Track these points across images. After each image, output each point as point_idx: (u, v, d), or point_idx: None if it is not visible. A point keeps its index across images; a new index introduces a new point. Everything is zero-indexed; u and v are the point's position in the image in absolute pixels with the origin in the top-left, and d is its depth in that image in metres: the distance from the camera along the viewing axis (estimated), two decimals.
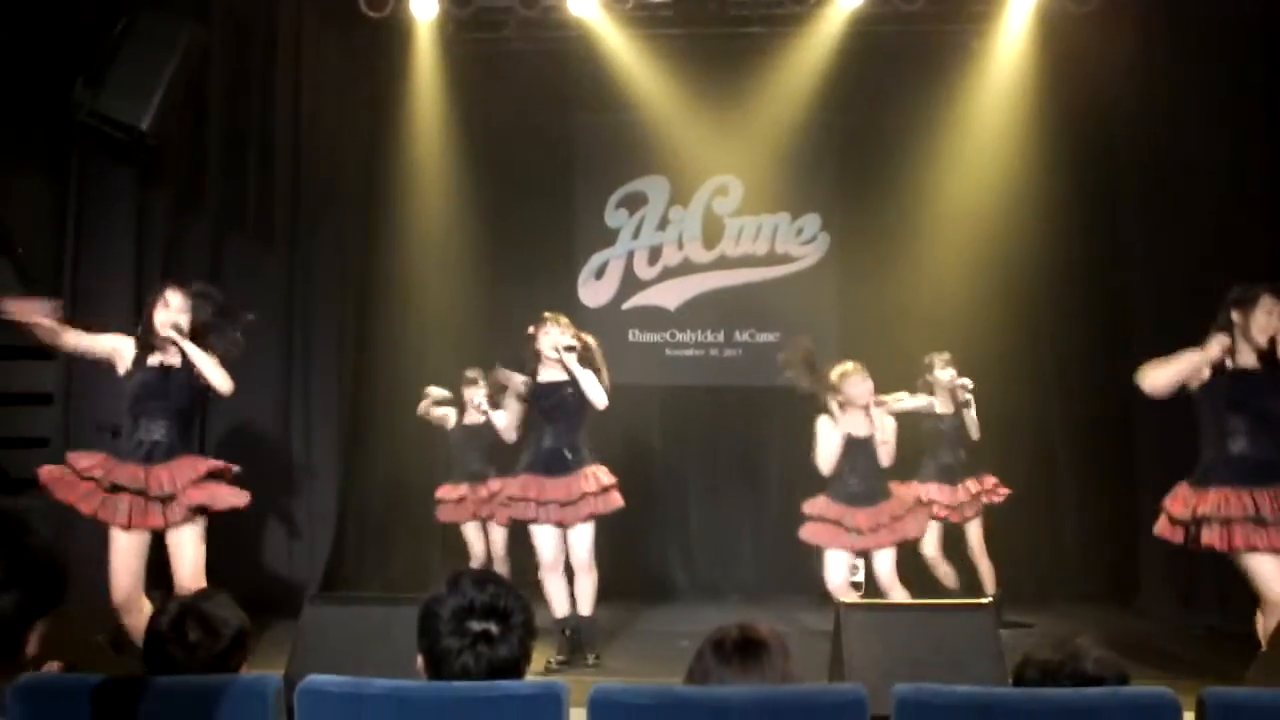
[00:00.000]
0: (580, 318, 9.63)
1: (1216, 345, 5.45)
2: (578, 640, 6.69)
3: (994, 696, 2.93)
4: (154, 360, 5.85)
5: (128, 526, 5.62)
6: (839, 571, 6.83)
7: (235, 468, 6.07)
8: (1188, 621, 7.82)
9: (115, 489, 5.64)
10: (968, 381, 7.79)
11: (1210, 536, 5.42)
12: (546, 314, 6.88)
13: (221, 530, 8.04)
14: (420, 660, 2.81)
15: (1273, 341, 5.41)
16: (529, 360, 6.82)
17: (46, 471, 5.74)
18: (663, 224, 9.88)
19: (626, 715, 2.78)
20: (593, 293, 9.89)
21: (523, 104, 9.44)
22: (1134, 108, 8.67)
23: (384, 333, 9.25)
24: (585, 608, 6.75)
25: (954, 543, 7.92)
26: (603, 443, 9.12)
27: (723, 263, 9.84)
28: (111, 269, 7.60)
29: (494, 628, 2.75)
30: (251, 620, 3.32)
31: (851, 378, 6.78)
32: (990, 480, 7.97)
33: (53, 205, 7.55)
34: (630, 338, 9.81)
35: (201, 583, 5.59)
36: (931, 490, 7.81)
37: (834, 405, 6.78)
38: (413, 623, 2.82)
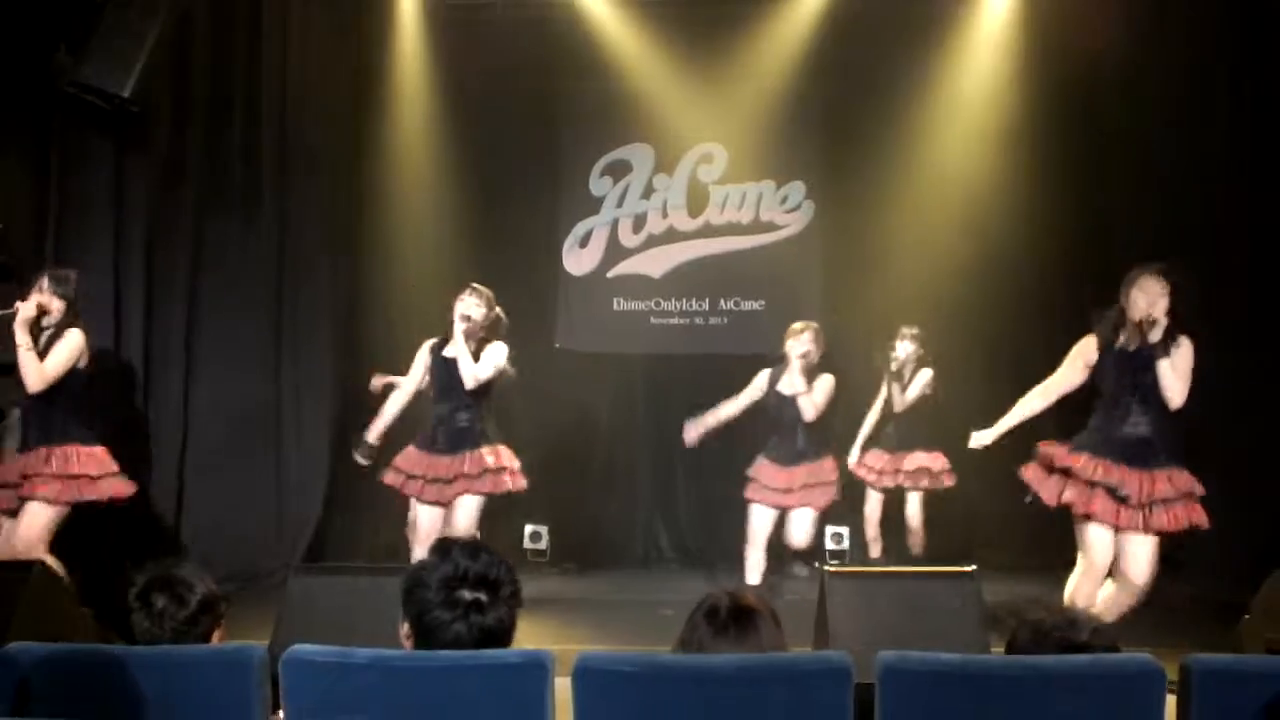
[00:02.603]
0: (565, 285, 9.66)
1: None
2: None
3: (978, 663, 2.94)
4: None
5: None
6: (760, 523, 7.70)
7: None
8: (1171, 589, 7.85)
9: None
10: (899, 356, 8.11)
11: (1071, 494, 5.57)
12: (473, 284, 6.81)
13: (209, 501, 8.09)
14: (404, 628, 2.81)
15: (1146, 323, 5.50)
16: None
17: None
18: (647, 192, 9.83)
19: (612, 683, 2.78)
20: (577, 261, 9.85)
21: (507, 71, 9.37)
22: (1116, 75, 8.68)
23: (371, 301, 9.21)
24: None
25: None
26: (587, 411, 9.17)
27: (707, 231, 9.80)
28: (93, 238, 7.57)
29: (484, 597, 2.75)
30: (238, 590, 3.33)
31: (793, 336, 7.47)
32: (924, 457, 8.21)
33: (34, 174, 7.51)
34: (615, 306, 9.78)
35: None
36: (869, 457, 8.28)
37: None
38: (398, 592, 2.81)
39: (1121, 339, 5.61)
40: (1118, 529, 5.52)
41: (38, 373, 5.81)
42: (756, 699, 2.74)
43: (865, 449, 8.32)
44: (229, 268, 8.35)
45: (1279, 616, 4.98)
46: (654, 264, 9.80)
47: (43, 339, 5.90)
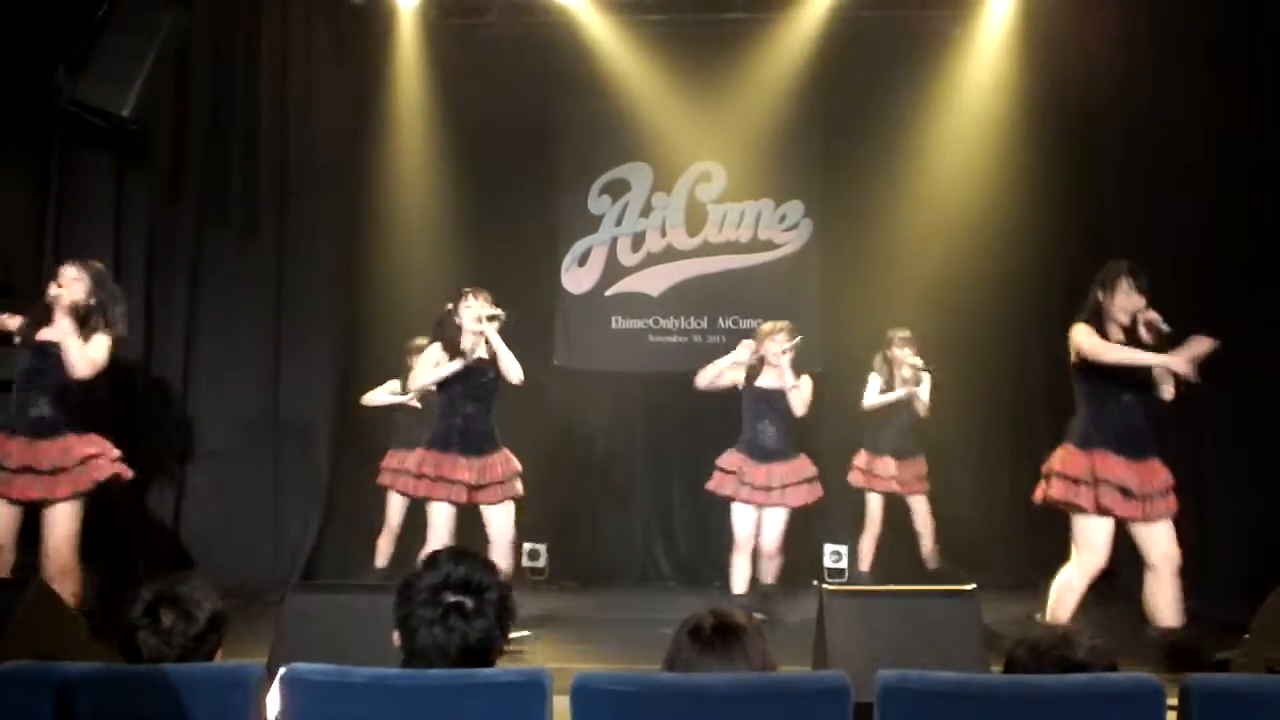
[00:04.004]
0: (564, 304, 9.66)
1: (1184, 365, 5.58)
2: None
3: (977, 683, 2.93)
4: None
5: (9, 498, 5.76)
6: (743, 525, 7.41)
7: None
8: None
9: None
10: (918, 361, 8.10)
11: (1109, 500, 5.65)
12: (466, 288, 6.83)
13: (207, 518, 8.07)
14: (396, 635, 2.81)
15: (1134, 319, 5.68)
16: (450, 334, 6.71)
17: None
18: (646, 210, 9.85)
19: (610, 702, 2.78)
20: (576, 279, 9.85)
21: (506, 90, 9.38)
22: (1115, 91, 8.68)
23: (370, 319, 9.20)
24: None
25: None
26: (586, 429, 9.16)
27: (706, 249, 9.81)
28: (92, 254, 7.53)
29: (468, 601, 2.76)
30: (236, 609, 3.30)
31: (768, 337, 7.37)
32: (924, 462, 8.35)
33: (33, 192, 7.51)
34: (614, 324, 9.78)
35: (70, 557, 5.71)
36: (887, 464, 8.22)
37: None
38: None
39: (1113, 332, 5.73)
40: (1129, 520, 5.70)
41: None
42: (755, 719, 2.73)
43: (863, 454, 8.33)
44: (228, 283, 8.34)
45: (1279, 636, 4.96)
46: (652, 282, 9.81)
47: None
